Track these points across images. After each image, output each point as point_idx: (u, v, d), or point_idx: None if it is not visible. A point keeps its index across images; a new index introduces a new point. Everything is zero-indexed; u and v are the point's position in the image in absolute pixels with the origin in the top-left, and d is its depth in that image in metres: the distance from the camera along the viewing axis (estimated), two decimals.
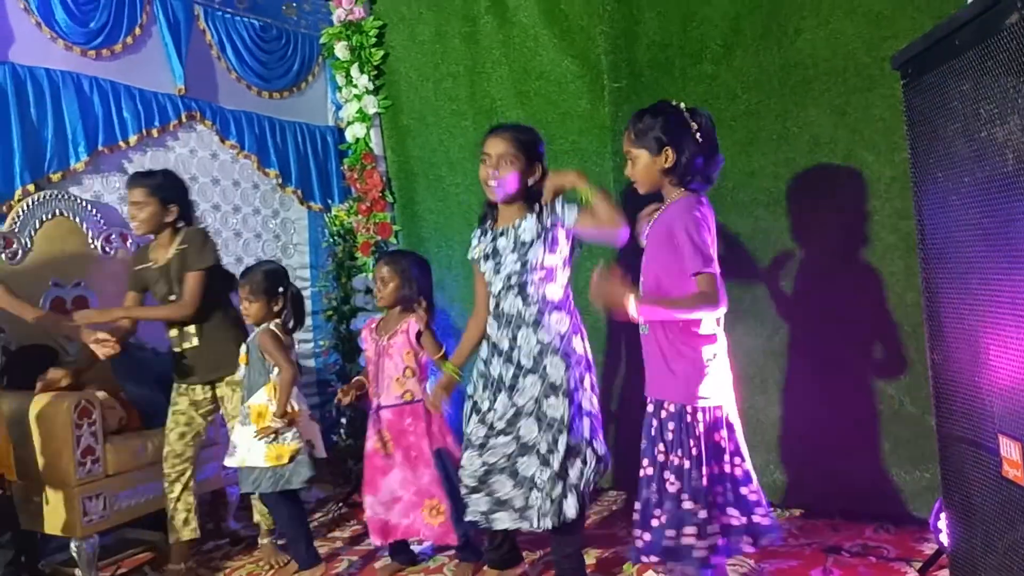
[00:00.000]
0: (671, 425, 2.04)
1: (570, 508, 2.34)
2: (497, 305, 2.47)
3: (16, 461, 2.56)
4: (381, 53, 3.89)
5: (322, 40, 4.14)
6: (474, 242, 2.59)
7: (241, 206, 4.36)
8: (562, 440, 2.32)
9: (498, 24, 3.61)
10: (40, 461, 2.77)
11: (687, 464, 2.01)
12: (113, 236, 3.60)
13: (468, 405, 2.54)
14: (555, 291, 2.42)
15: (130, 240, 3.64)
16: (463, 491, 2.50)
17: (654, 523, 2.04)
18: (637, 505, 2.11)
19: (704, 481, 2.00)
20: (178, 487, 2.94)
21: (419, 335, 2.81)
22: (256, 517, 3.12)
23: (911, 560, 2.59)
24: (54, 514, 2.78)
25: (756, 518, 2.07)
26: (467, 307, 3.18)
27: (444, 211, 3.84)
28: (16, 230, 3.26)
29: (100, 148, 3.61)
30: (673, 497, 2.02)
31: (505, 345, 2.44)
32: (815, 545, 2.81)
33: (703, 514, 1.99)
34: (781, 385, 3.06)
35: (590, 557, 2.79)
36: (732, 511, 2.04)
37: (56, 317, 3.09)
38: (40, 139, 3.40)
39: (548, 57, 3.51)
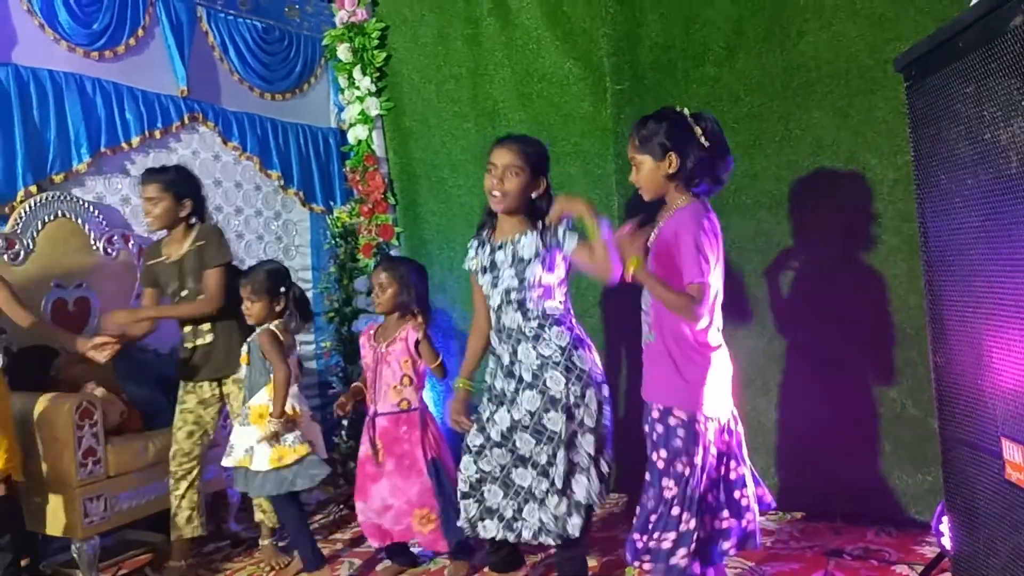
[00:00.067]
0: (680, 432, 2.04)
1: (574, 528, 2.33)
2: (498, 319, 2.46)
3: None
4: (383, 55, 3.90)
5: (324, 42, 4.14)
6: (471, 252, 2.58)
7: (243, 208, 4.36)
8: (561, 454, 2.30)
9: (500, 26, 3.61)
10: (41, 462, 2.76)
11: (687, 472, 2.02)
12: (115, 237, 3.60)
13: (474, 417, 2.55)
14: (554, 306, 2.41)
15: (132, 241, 3.65)
16: (458, 495, 2.51)
17: (649, 527, 2.07)
18: (638, 508, 2.14)
19: (700, 490, 2.03)
20: (184, 484, 2.94)
21: (417, 343, 2.81)
22: (257, 517, 3.11)
23: (913, 564, 2.58)
24: (55, 515, 2.78)
25: (743, 523, 2.12)
26: (468, 309, 3.18)
27: (446, 213, 3.84)
28: (18, 231, 3.26)
29: (102, 149, 3.62)
30: (666, 502, 2.04)
31: (507, 359, 2.44)
32: (816, 548, 2.81)
33: (692, 523, 2.02)
34: (783, 388, 3.05)
35: (592, 560, 2.78)
36: (723, 514, 2.09)
37: (51, 327, 3.08)
38: (43, 140, 3.41)
39: (550, 59, 3.51)
